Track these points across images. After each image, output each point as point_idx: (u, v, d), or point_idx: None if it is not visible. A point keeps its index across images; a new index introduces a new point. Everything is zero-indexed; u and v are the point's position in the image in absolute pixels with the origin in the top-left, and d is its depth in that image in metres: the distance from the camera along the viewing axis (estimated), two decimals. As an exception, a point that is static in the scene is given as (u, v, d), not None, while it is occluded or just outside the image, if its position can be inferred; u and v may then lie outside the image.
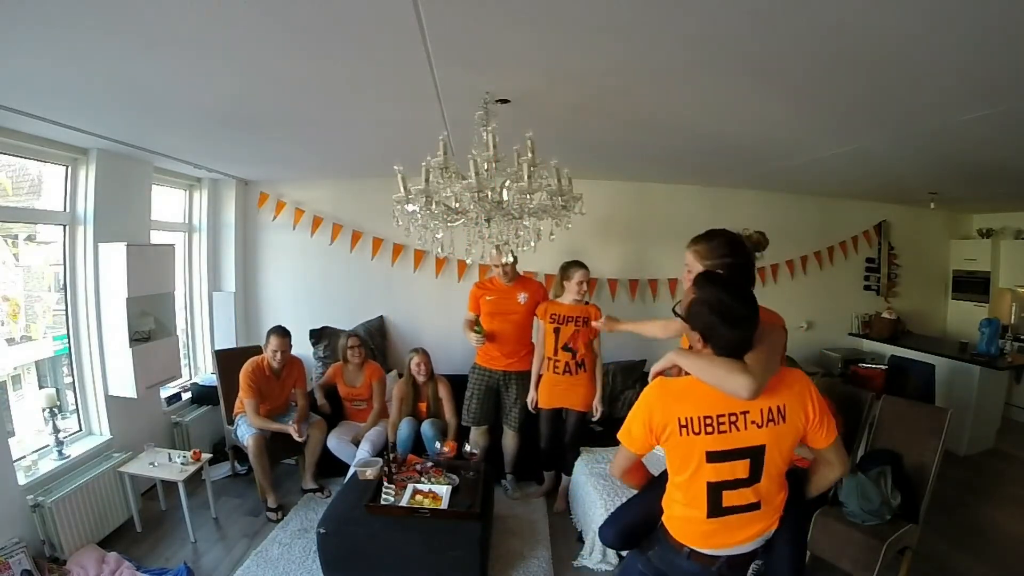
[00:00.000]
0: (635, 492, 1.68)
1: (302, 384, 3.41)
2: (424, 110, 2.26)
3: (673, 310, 1.44)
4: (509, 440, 3.28)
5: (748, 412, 1.30)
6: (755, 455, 1.31)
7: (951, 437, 2.51)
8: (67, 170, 2.91)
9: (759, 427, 1.30)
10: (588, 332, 3.02)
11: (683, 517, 1.40)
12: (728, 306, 1.30)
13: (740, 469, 1.31)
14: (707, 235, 1.60)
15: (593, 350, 3.09)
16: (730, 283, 1.37)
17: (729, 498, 1.33)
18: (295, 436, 3.09)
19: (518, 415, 3.20)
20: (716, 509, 1.33)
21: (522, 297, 3.16)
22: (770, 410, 1.31)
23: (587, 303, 3.09)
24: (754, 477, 1.32)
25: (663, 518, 1.47)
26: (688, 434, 1.31)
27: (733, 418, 1.30)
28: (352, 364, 3.54)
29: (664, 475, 1.53)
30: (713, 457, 1.31)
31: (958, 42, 1.50)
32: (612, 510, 2.59)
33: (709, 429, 1.29)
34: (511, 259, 3.05)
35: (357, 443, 3.34)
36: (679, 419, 1.31)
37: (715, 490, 1.33)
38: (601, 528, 1.73)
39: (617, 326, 2.39)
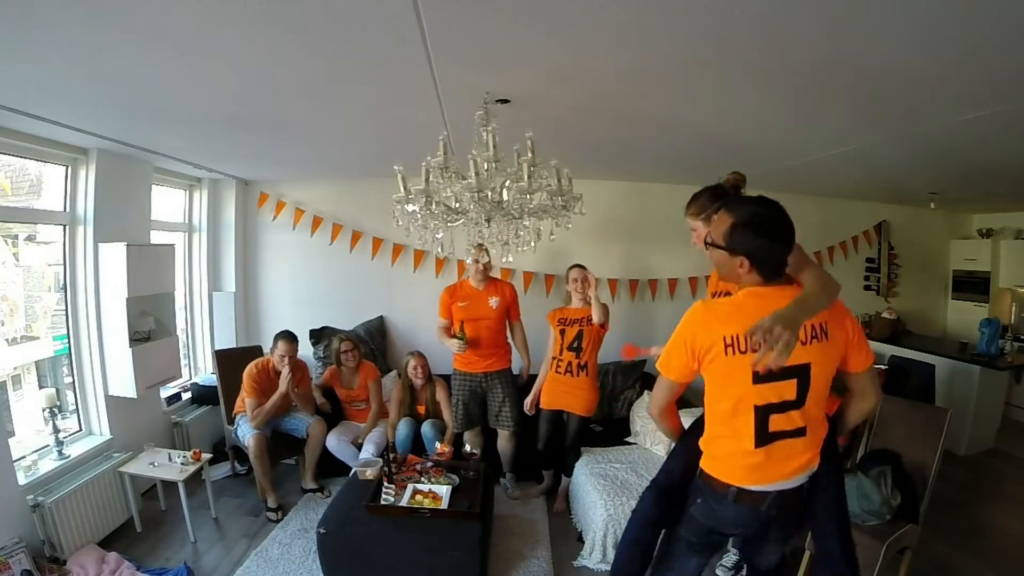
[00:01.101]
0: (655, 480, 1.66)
1: (305, 385, 3.41)
2: (424, 110, 2.26)
3: (706, 242, 1.40)
4: (504, 442, 3.25)
5: None
6: (801, 374, 1.27)
7: (951, 437, 2.51)
8: (67, 170, 2.91)
9: (803, 344, 1.25)
10: (592, 331, 3.02)
11: (727, 453, 1.34)
12: (770, 219, 1.27)
13: (787, 390, 1.27)
14: (693, 197, 1.72)
15: (596, 355, 3.08)
16: (760, 199, 1.33)
17: (776, 422, 1.29)
18: (284, 377, 3.13)
19: (509, 414, 3.15)
20: (763, 435, 1.29)
21: (493, 301, 3.13)
22: (813, 327, 1.28)
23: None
24: (800, 399, 1.28)
25: (702, 463, 1.42)
26: (734, 353, 1.26)
27: None
28: (347, 367, 3.54)
29: (698, 422, 1.49)
30: (760, 378, 1.26)
31: (957, 42, 1.50)
32: (611, 511, 2.61)
33: (756, 347, 1.23)
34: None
35: (358, 445, 3.34)
36: (724, 338, 1.27)
37: (762, 414, 1.28)
38: (641, 499, 1.66)
39: (645, 352, 2.39)
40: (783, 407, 1.28)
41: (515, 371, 3.31)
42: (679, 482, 1.55)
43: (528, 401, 3.15)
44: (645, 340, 4.43)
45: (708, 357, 1.30)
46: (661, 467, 1.71)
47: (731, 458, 1.35)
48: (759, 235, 1.27)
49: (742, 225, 1.29)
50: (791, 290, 1.30)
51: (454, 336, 3.07)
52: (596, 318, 2.92)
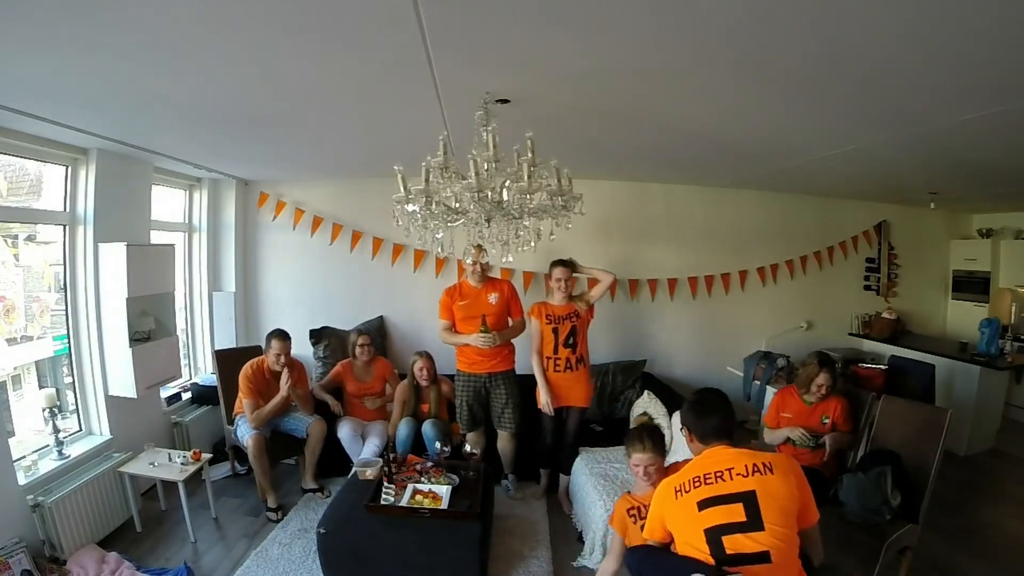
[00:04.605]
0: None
1: (303, 385, 3.41)
2: (424, 110, 2.26)
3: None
4: (504, 443, 3.24)
5: (733, 467, 1.49)
6: (747, 499, 1.42)
7: (951, 437, 2.51)
8: (67, 170, 2.91)
9: (744, 476, 1.46)
10: (583, 323, 3.06)
11: None
12: (698, 402, 1.72)
13: (735, 512, 1.41)
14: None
15: (587, 342, 3.12)
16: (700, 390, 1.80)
17: (731, 543, 1.38)
18: (284, 382, 3.14)
19: (512, 416, 3.14)
20: (720, 556, 1.38)
21: (493, 297, 3.13)
22: (755, 464, 1.49)
23: (576, 296, 3.14)
24: (753, 521, 1.39)
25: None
26: (680, 495, 1.51)
27: (719, 474, 1.48)
28: (361, 360, 3.57)
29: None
30: (703, 504, 1.45)
31: (954, 43, 1.50)
32: (611, 511, 2.59)
33: (697, 484, 1.49)
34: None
35: (365, 437, 3.34)
36: (674, 488, 1.54)
37: (714, 535, 1.40)
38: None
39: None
40: (735, 528, 1.40)
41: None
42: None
43: (545, 403, 3.07)
44: (644, 340, 4.47)
45: (667, 513, 1.54)
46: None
47: None
48: (693, 412, 1.70)
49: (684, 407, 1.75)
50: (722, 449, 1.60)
51: (480, 330, 2.99)
52: (597, 293, 3.10)
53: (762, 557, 1.36)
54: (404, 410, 3.43)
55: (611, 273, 3.12)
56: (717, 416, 1.64)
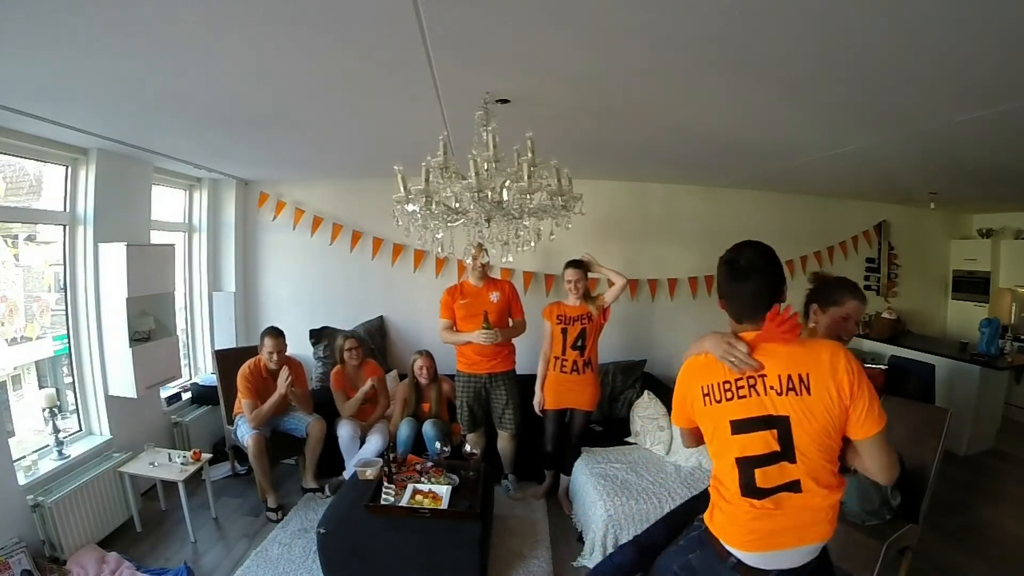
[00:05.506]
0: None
1: (301, 384, 3.40)
2: (424, 110, 2.26)
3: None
4: (504, 444, 3.25)
5: (765, 376, 1.22)
6: (781, 426, 1.20)
7: (951, 437, 2.51)
8: (67, 170, 2.91)
9: (779, 394, 1.21)
10: (593, 327, 3.04)
11: (728, 513, 1.29)
12: (735, 260, 1.29)
13: (769, 442, 1.21)
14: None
15: (597, 347, 3.10)
16: (743, 242, 1.34)
17: (763, 476, 1.22)
18: (283, 380, 3.11)
19: (512, 416, 3.15)
20: (751, 489, 1.24)
21: (494, 296, 3.14)
22: (789, 378, 1.20)
23: (591, 297, 3.11)
24: (785, 452, 1.21)
25: (706, 517, 1.37)
26: (711, 403, 1.28)
27: (751, 381, 1.23)
28: (351, 365, 3.54)
29: (698, 495, 1.53)
30: (737, 427, 1.24)
31: (954, 43, 1.50)
32: (611, 511, 2.61)
33: (727, 391, 1.25)
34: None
35: (362, 437, 3.34)
36: (701, 387, 1.30)
37: (746, 467, 1.24)
38: (619, 550, 1.69)
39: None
40: (769, 459, 1.22)
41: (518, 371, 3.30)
42: (661, 545, 1.59)
43: (537, 403, 3.14)
44: (644, 340, 4.47)
45: (693, 410, 1.34)
46: (648, 528, 1.75)
47: (731, 519, 1.29)
48: (723, 274, 1.32)
49: (719, 264, 1.34)
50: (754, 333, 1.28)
51: (482, 327, 2.98)
52: (611, 296, 3.05)
53: (792, 486, 1.22)
54: (405, 410, 3.43)
55: (623, 276, 3.09)
56: (753, 281, 1.27)
